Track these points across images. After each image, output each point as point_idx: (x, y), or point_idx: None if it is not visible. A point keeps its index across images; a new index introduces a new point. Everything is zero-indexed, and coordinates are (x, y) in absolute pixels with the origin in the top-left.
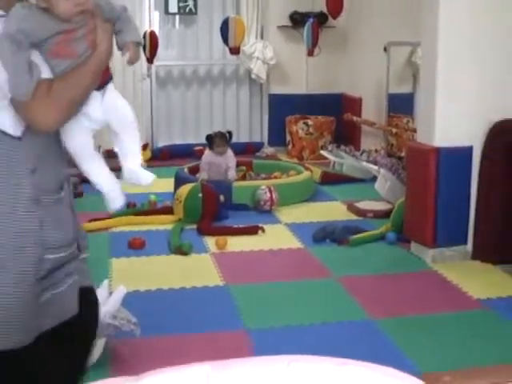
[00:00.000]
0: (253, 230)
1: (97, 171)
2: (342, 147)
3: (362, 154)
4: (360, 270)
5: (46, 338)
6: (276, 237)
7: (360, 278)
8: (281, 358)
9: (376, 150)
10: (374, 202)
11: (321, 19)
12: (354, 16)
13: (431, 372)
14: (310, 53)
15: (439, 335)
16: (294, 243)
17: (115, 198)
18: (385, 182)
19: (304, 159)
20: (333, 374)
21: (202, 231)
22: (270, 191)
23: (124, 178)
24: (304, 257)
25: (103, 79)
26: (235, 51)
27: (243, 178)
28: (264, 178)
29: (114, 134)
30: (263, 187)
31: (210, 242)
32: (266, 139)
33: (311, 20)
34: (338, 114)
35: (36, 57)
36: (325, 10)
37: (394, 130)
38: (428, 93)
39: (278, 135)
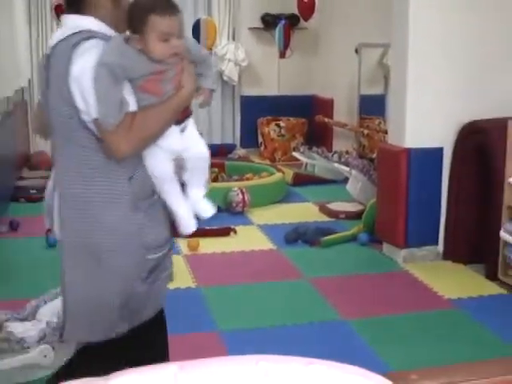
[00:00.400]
0: (225, 232)
1: (173, 197)
2: (314, 149)
3: (333, 156)
4: (332, 271)
5: (145, 326)
6: (248, 238)
7: (332, 279)
8: (249, 358)
9: (347, 152)
10: (345, 203)
11: (292, 21)
12: (325, 18)
13: (397, 371)
14: (282, 55)
15: (410, 335)
16: (266, 244)
17: (187, 223)
18: (356, 183)
19: (276, 161)
20: (300, 374)
21: (174, 233)
22: (242, 193)
23: (188, 206)
24: (276, 258)
25: (184, 115)
26: None
27: (215, 179)
28: (236, 180)
29: (187, 166)
30: (235, 189)
31: (182, 243)
32: (238, 141)
33: (283, 22)
34: (309, 116)
35: (126, 88)
36: (296, 11)
37: (366, 132)
38: (398, 94)
39: (250, 137)
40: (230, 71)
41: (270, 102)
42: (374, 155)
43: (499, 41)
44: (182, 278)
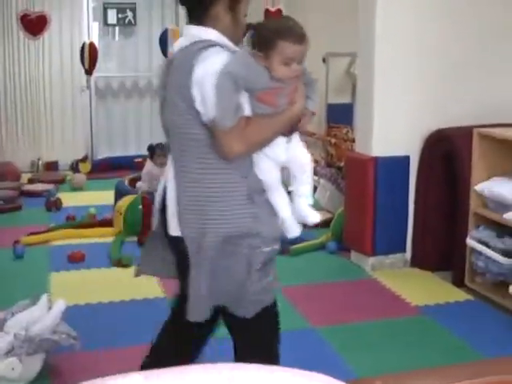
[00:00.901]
0: None
1: (279, 201)
2: None
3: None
4: (301, 279)
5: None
6: None
7: (301, 287)
8: (213, 367)
9: (316, 161)
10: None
11: None
12: None
13: (364, 378)
14: None
15: (378, 342)
16: None
17: (291, 228)
18: (325, 192)
19: None
20: (264, 382)
21: (143, 243)
22: None
23: (293, 213)
24: None
25: (292, 129)
26: None
27: None
28: None
29: (292, 175)
30: None
31: None
32: None
33: (251, 32)
34: None
35: (243, 96)
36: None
37: (333, 141)
38: (365, 103)
39: None
40: None
41: None
42: (342, 164)
43: (466, 50)
44: (150, 288)
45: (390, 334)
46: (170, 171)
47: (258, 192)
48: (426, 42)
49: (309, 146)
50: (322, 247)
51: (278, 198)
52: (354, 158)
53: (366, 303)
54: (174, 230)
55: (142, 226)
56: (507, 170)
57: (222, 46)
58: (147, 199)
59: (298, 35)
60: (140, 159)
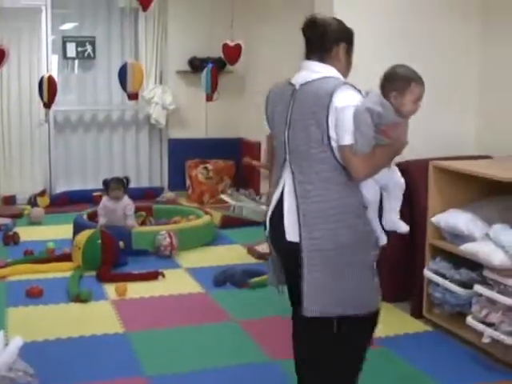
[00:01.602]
0: (153, 276)
1: (372, 214)
2: (242, 191)
3: (261, 198)
4: (260, 313)
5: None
6: (176, 282)
7: (260, 321)
8: None
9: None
10: None
11: (219, 64)
12: (251, 61)
13: None
14: (209, 98)
15: None
16: (194, 288)
17: (381, 237)
18: None
19: (204, 203)
20: None
21: (102, 278)
22: (170, 236)
23: (385, 226)
24: (204, 301)
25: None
26: (133, 97)
27: (143, 223)
28: (164, 223)
29: (386, 193)
30: (163, 232)
31: (110, 288)
32: (166, 184)
33: (210, 65)
34: (237, 158)
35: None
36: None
37: None
38: None
39: (178, 180)
40: (158, 114)
41: (197, 145)
42: None
43: (430, 83)
44: (109, 323)
45: None
46: (286, 185)
47: (362, 206)
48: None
49: (267, 179)
50: None
51: (373, 213)
52: None
53: None
54: (293, 236)
55: (100, 260)
56: (463, 202)
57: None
58: (106, 233)
59: (422, 79)
60: (98, 193)
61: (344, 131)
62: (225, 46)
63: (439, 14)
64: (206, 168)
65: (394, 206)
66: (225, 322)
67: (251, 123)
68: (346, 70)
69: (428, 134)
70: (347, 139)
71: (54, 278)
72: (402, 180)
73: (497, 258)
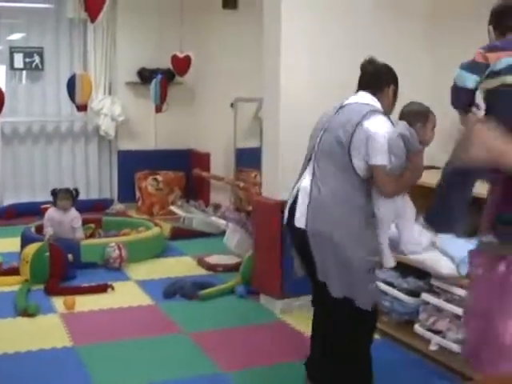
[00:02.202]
0: (102, 289)
1: (382, 234)
2: (192, 202)
3: (210, 209)
4: (211, 325)
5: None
6: (126, 294)
7: (211, 333)
8: None
9: (218, 206)
10: (223, 256)
11: (169, 76)
12: (201, 73)
13: None
14: (158, 109)
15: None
16: (144, 300)
17: (387, 259)
18: (233, 236)
19: (154, 215)
20: None
21: (50, 291)
22: (120, 248)
23: (406, 250)
24: (154, 313)
25: None
26: (82, 108)
27: (92, 235)
28: (113, 235)
29: (399, 219)
30: (112, 244)
31: (58, 302)
32: (115, 196)
33: (159, 76)
34: (187, 170)
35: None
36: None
37: (242, 185)
38: (271, 148)
39: (127, 191)
40: (107, 126)
41: (147, 157)
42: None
43: None
44: (57, 337)
45: (299, 377)
46: (305, 180)
47: (371, 217)
48: (329, 90)
49: (218, 190)
50: (231, 291)
51: (383, 232)
52: (261, 203)
53: (276, 346)
54: (300, 223)
55: (48, 273)
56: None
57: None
58: (54, 246)
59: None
60: (47, 205)
61: (376, 152)
62: (174, 57)
63: (387, 15)
64: (155, 179)
65: (410, 228)
66: (175, 334)
67: (201, 134)
68: (389, 107)
69: None
70: (380, 159)
71: (1, 293)
72: (412, 206)
73: (444, 266)
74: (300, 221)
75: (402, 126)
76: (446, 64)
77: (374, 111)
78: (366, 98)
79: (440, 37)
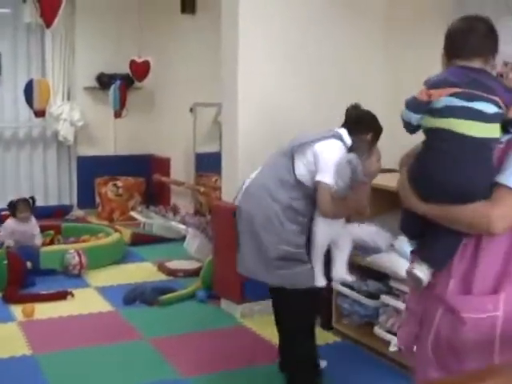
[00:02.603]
0: (61, 296)
1: (316, 257)
2: (152, 208)
3: (171, 214)
4: (171, 330)
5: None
6: (86, 301)
7: (171, 338)
8: None
9: (179, 211)
10: (183, 261)
11: (128, 81)
12: (160, 78)
13: None
14: (118, 114)
15: None
16: (104, 307)
17: (318, 279)
18: (194, 241)
19: (114, 221)
20: None
21: (8, 299)
22: (79, 255)
23: (334, 276)
24: (114, 320)
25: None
26: (40, 114)
27: (51, 242)
28: (73, 242)
29: (337, 246)
30: (72, 251)
31: (17, 310)
32: (75, 202)
33: (118, 82)
34: (147, 175)
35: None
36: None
37: (202, 189)
38: (230, 152)
39: (87, 197)
40: (66, 131)
41: (106, 162)
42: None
43: (334, 103)
44: (16, 345)
45: (260, 381)
46: (260, 175)
47: (299, 217)
48: (287, 98)
49: (178, 195)
50: (192, 296)
51: (316, 254)
52: (221, 207)
53: (237, 350)
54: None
55: (7, 281)
56: (369, 215)
57: (345, 146)
58: (12, 254)
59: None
60: (5, 212)
61: (321, 169)
62: (132, 62)
63: (343, 23)
64: (115, 185)
65: (343, 259)
66: (135, 340)
67: (161, 139)
68: (360, 146)
69: None
70: (323, 177)
71: None
72: (352, 238)
73: (402, 268)
74: (237, 199)
75: (352, 155)
76: (399, 63)
77: (334, 136)
78: (340, 129)
79: (395, 36)
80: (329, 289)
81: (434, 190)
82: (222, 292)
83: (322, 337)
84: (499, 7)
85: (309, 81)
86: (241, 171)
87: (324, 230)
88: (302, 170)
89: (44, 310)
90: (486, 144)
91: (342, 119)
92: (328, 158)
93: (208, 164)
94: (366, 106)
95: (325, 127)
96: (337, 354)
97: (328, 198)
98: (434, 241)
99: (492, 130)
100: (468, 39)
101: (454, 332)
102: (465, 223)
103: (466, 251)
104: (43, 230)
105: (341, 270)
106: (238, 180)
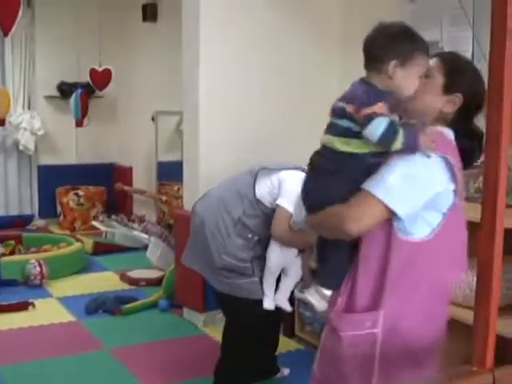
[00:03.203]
0: (22, 306)
1: (267, 282)
2: (114, 217)
3: (132, 223)
4: (133, 339)
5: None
6: (47, 311)
7: (133, 348)
8: None
9: (141, 220)
10: (146, 270)
11: (89, 89)
12: (122, 86)
13: None
14: (79, 123)
15: None
16: (65, 317)
17: (268, 302)
18: (156, 250)
19: (76, 230)
20: None
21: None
22: (40, 265)
23: (275, 300)
24: (76, 330)
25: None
26: (0, 123)
27: (12, 252)
28: (34, 252)
29: (285, 275)
30: (33, 261)
31: None
32: (36, 211)
33: (79, 90)
34: (109, 184)
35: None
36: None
37: (164, 198)
38: (191, 161)
39: (48, 207)
40: (26, 140)
41: (68, 171)
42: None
43: (295, 112)
44: None
45: None
46: (222, 184)
47: (248, 233)
48: (250, 102)
49: (141, 204)
50: (154, 305)
51: (268, 279)
52: (182, 216)
53: (200, 359)
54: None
55: None
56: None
57: None
58: None
59: None
60: None
61: (283, 194)
62: (92, 70)
63: (302, 36)
64: (77, 194)
65: (288, 287)
66: (97, 350)
67: (123, 148)
68: None
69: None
70: (283, 202)
71: None
72: (299, 275)
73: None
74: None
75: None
76: (357, 75)
77: (300, 168)
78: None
79: (352, 48)
80: (291, 298)
81: (310, 201)
82: (184, 301)
83: (285, 345)
84: (455, 12)
85: (271, 91)
86: (201, 180)
87: (278, 256)
88: (262, 190)
89: (4, 321)
90: (353, 157)
91: (305, 127)
92: (292, 187)
93: (170, 172)
94: (325, 117)
95: (287, 135)
96: (299, 361)
97: (284, 222)
98: (326, 263)
99: (358, 145)
100: (365, 51)
101: (334, 350)
102: (325, 225)
103: (352, 270)
104: (3, 240)
105: (282, 298)
106: (199, 189)
